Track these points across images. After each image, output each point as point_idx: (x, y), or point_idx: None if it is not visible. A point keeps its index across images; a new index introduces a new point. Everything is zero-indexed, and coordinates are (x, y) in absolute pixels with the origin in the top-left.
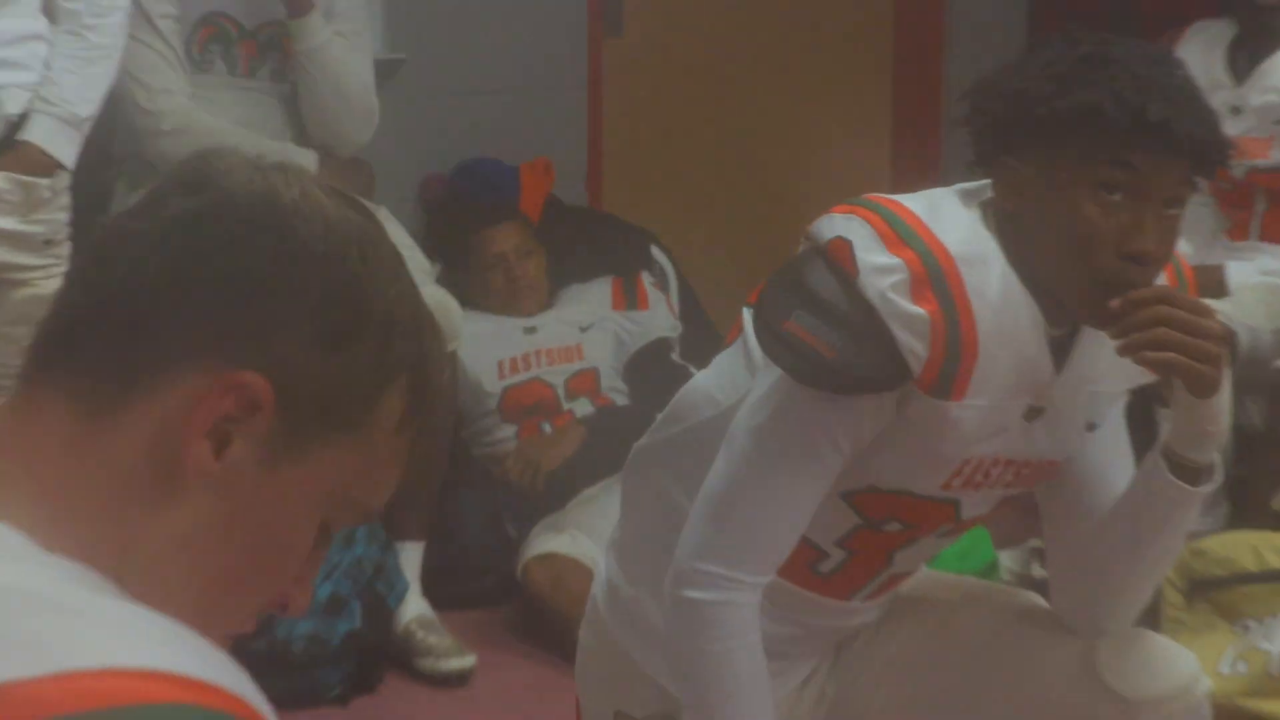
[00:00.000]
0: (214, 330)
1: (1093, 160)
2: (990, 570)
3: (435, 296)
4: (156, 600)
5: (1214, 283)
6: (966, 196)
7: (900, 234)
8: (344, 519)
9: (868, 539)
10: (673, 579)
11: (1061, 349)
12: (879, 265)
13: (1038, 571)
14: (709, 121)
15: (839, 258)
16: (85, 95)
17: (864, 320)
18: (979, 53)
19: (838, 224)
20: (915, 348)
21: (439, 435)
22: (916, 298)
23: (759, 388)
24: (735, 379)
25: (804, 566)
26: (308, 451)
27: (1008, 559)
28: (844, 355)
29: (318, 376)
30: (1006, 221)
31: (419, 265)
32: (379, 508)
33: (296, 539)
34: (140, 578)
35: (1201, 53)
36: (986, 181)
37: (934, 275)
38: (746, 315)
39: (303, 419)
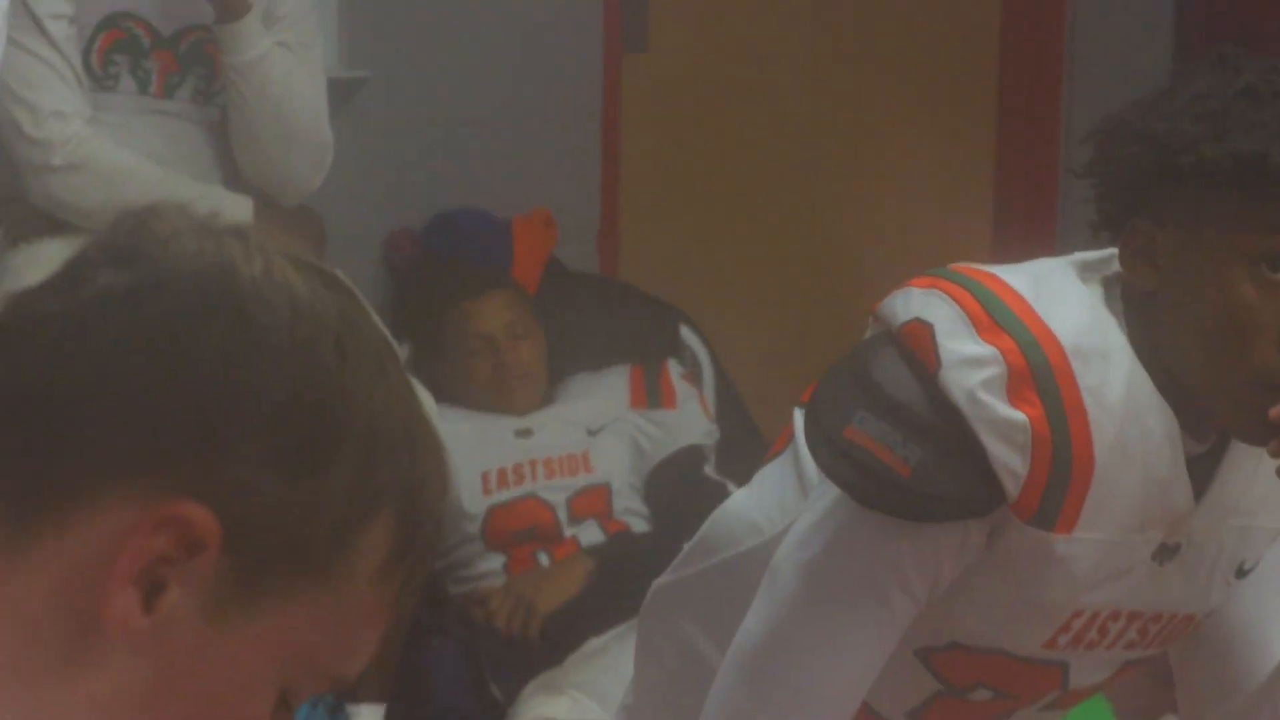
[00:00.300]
0: (146, 446)
1: (1253, 226)
2: None
3: None
4: None
5: None
6: (1086, 270)
7: (996, 317)
8: (309, 686)
9: (950, 710)
10: None
11: (1204, 470)
12: (967, 356)
13: None
14: (756, 165)
15: (916, 345)
16: None
17: (946, 426)
18: (1109, 81)
19: (915, 302)
20: (1011, 462)
21: None
22: (1014, 399)
23: (811, 511)
24: (784, 500)
25: None
26: (263, 602)
27: None
28: (920, 471)
29: (278, 508)
30: (1137, 303)
31: None
32: (354, 674)
33: (247, 711)
34: None
35: None
36: (1113, 251)
37: (1038, 370)
38: (799, 417)
39: (258, 562)
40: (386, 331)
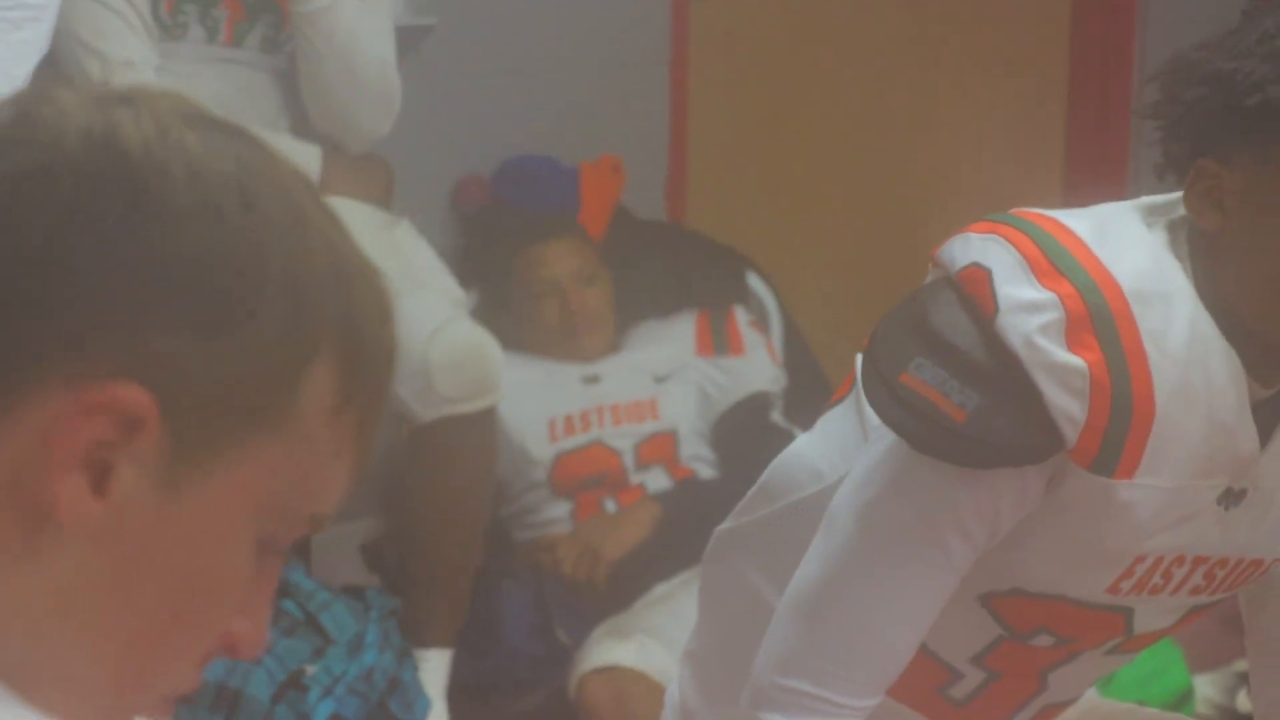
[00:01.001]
0: (63, 333)
1: None
2: (1184, 700)
3: (469, 335)
4: (52, 684)
5: None
6: (1151, 213)
7: (1055, 261)
8: (286, 532)
9: (1013, 655)
10: (750, 698)
11: (1271, 415)
12: (1024, 301)
13: (1244, 704)
14: (825, 111)
15: (974, 291)
16: (8, 69)
17: (1003, 372)
18: (1184, 23)
19: (974, 247)
20: (1070, 408)
21: (468, 512)
22: (1073, 344)
23: (868, 455)
24: (845, 445)
25: (931, 691)
26: (216, 464)
27: (1206, 686)
28: (976, 417)
29: (210, 370)
30: (1202, 246)
31: (450, 294)
32: (330, 511)
33: (225, 570)
34: (25, 655)
35: None
36: (1179, 194)
37: (1097, 315)
38: (860, 363)
39: (202, 426)
40: (427, 264)
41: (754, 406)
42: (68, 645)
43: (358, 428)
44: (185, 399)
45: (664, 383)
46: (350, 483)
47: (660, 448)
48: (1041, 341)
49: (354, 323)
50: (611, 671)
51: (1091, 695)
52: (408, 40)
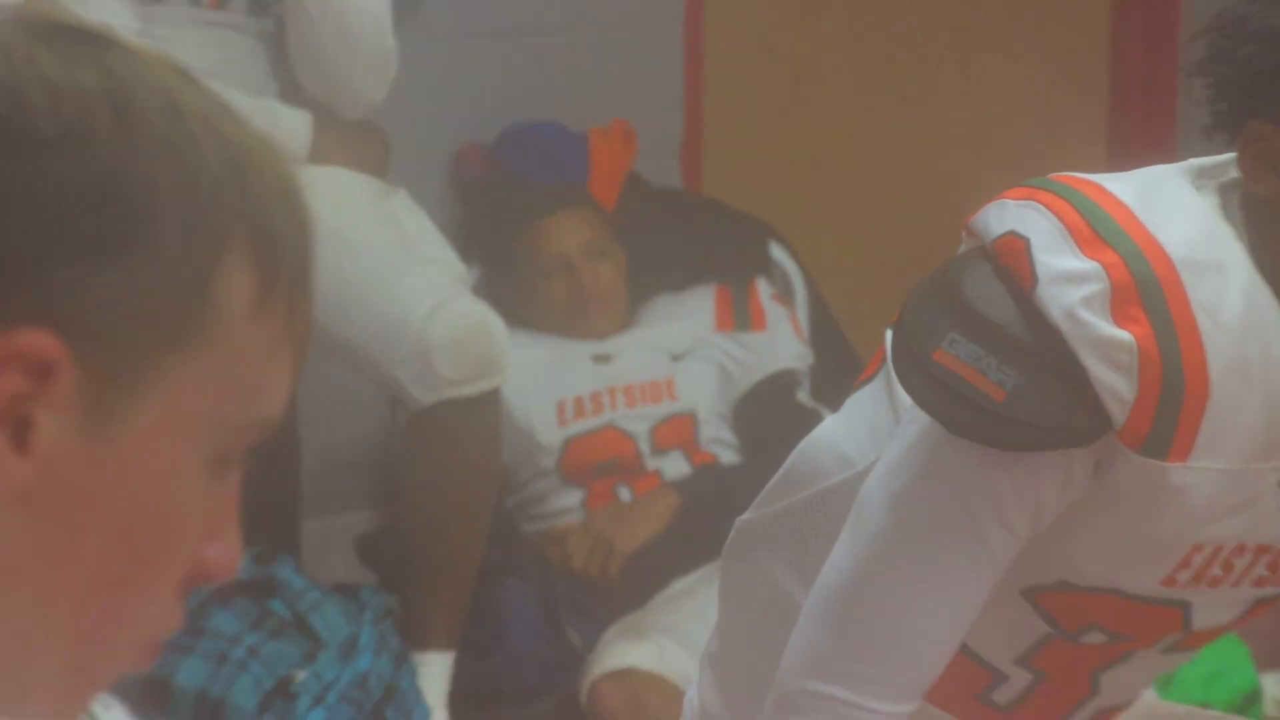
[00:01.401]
0: None
1: None
2: (1251, 702)
3: (470, 311)
4: (18, 656)
5: None
6: (1200, 176)
7: (1098, 229)
8: (234, 443)
9: (1062, 655)
10: (775, 705)
11: None
12: (1066, 272)
13: None
14: (851, 70)
15: (1011, 261)
16: None
17: (1044, 348)
18: None
19: (1010, 214)
20: (1117, 386)
21: (471, 503)
22: (1119, 317)
23: (899, 439)
24: (875, 428)
25: (972, 695)
26: (142, 392)
27: (1275, 685)
28: (1016, 397)
29: (114, 296)
30: (1257, 212)
31: (450, 269)
32: (278, 412)
33: (176, 500)
34: None
35: None
36: (1231, 156)
37: (1145, 286)
38: (890, 339)
39: (117, 356)
40: (426, 238)
41: (778, 385)
42: (22, 615)
43: (287, 319)
44: (94, 332)
45: (681, 361)
46: (292, 378)
47: (678, 431)
48: (1085, 314)
49: (258, 211)
50: (626, 675)
51: (1149, 698)
52: (405, 1)
